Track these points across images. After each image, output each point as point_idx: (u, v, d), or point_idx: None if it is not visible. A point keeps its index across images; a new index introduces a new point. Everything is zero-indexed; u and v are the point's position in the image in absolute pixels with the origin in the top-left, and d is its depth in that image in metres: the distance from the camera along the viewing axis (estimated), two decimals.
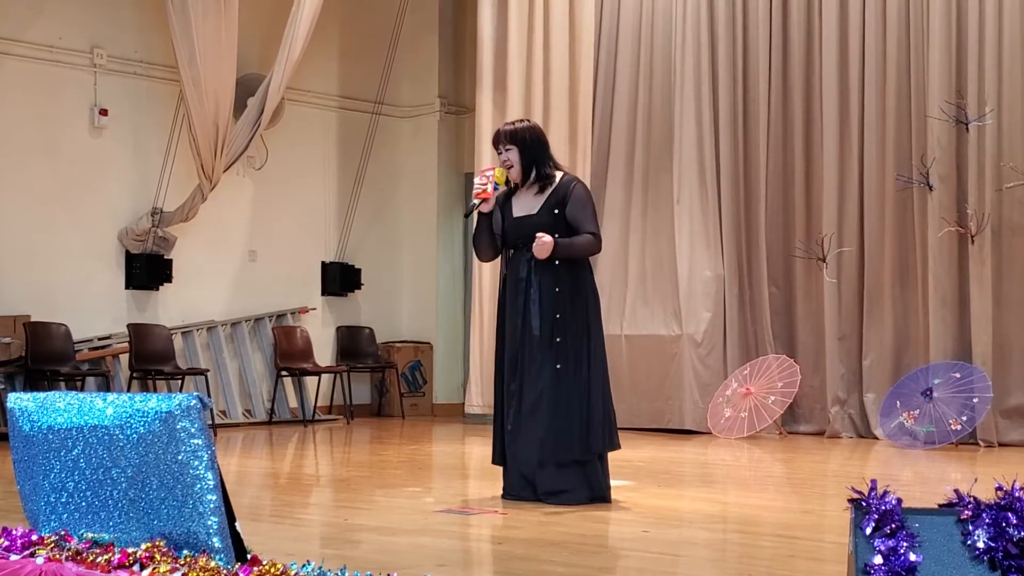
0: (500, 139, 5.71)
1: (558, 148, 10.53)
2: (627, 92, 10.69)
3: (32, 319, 9.45)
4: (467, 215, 5.99)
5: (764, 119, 10.09)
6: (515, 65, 10.37)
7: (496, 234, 5.74)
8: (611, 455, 5.79)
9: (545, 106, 10.52)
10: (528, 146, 5.66)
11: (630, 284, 10.49)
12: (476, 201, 5.63)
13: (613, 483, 5.81)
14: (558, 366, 5.56)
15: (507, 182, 5.70)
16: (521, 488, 5.66)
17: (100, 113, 10.06)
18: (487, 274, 10.33)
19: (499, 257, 5.97)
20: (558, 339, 5.55)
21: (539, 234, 5.48)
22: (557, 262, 5.54)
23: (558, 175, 5.70)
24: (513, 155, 5.65)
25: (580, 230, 5.56)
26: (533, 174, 5.65)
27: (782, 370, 9.64)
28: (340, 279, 11.72)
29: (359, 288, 11.89)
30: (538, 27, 10.47)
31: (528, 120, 5.89)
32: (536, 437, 5.57)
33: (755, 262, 10.14)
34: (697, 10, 10.35)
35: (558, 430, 5.56)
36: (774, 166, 10.09)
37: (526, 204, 5.67)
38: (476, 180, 5.69)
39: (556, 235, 5.51)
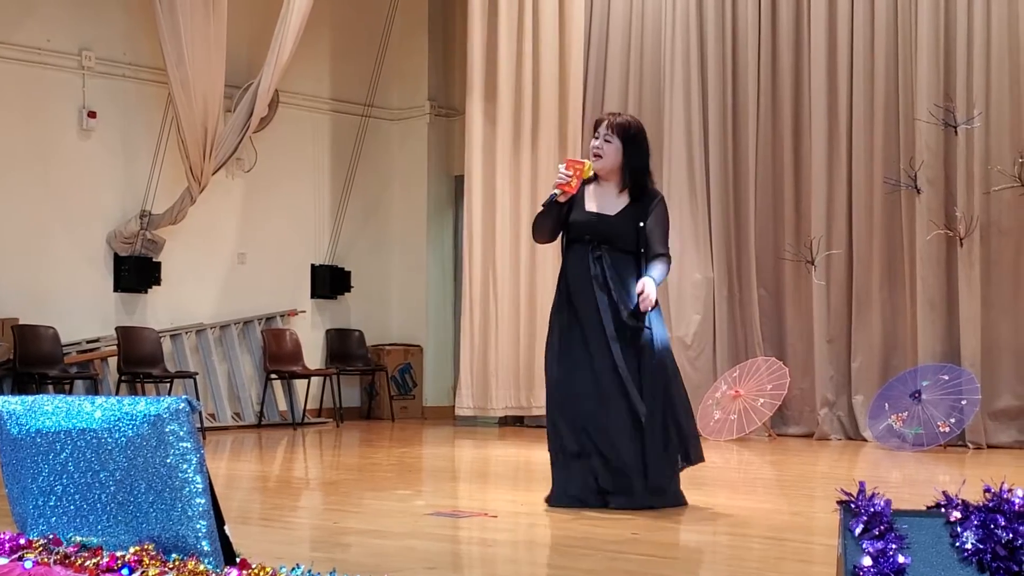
0: (604, 126, 5.39)
1: (547, 151, 10.56)
2: (616, 95, 10.70)
3: (20, 322, 9.42)
4: (545, 204, 5.49)
5: (753, 123, 10.12)
6: (505, 68, 10.37)
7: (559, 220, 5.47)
8: None
9: (534, 109, 10.52)
10: (634, 146, 5.39)
11: None
12: (556, 192, 5.34)
13: None
14: (667, 369, 5.49)
15: (593, 176, 5.43)
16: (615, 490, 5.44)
17: (88, 115, 10.04)
18: (477, 276, 10.34)
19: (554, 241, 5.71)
20: (660, 345, 5.46)
21: (641, 292, 5.25)
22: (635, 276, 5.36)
23: (652, 187, 5.48)
24: (611, 148, 5.35)
25: (651, 247, 5.35)
26: (627, 177, 5.39)
27: (771, 372, 9.66)
28: (330, 282, 11.71)
29: (349, 291, 11.88)
30: (528, 30, 10.48)
31: (636, 118, 5.61)
32: (660, 438, 5.43)
33: (744, 265, 10.15)
34: (686, 14, 10.37)
35: (681, 432, 5.50)
36: (763, 169, 10.11)
37: (605, 201, 5.41)
38: (561, 168, 5.35)
39: (646, 272, 5.34)
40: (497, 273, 10.36)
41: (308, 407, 11.16)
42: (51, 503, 3.43)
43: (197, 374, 10.27)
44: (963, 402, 8.68)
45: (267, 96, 10.24)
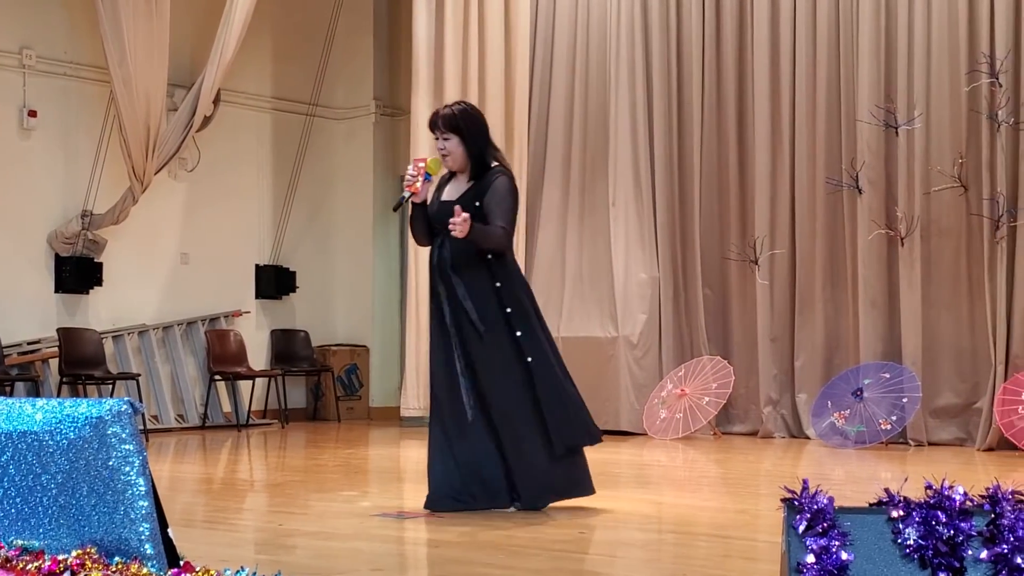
0: (437, 125, 5.33)
1: None
2: (563, 95, 10.73)
3: None
4: (395, 208, 5.58)
5: (698, 124, 10.19)
6: (451, 67, 10.36)
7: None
8: None
9: (481, 108, 10.49)
10: (469, 134, 5.31)
11: (567, 286, 10.54)
12: (405, 194, 5.31)
13: None
14: (529, 359, 5.28)
15: (450, 173, 5.39)
16: (478, 497, 5.31)
17: (29, 114, 9.91)
18: (422, 276, 10.29)
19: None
20: (519, 333, 5.27)
21: (457, 208, 5.10)
22: (488, 255, 5.23)
23: (494, 164, 5.36)
24: (452, 144, 5.30)
25: (491, 222, 5.20)
26: (473, 162, 5.30)
27: (716, 371, 9.73)
28: (275, 282, 11.63)
29: (294, 291, 11.81)
30: (473, 29, 10.48)
31: (466, 103, 5.55)
32: (526, 437, 5.26)
33: (690, 264, 10.22)
34: (631, 15, 10.42)
35: (556, 423, 5.30)
36: (708, 170, 10.19)
37: (455, 188, 5.35)
38: (408, 170, 5.31)
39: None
40: None
41: (253, 408, 11.08)
42: None
43: (140, 375, 10.16)
44: (904, 400, 8.79)
45: (210, 95, 10.15)
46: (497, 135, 10.59)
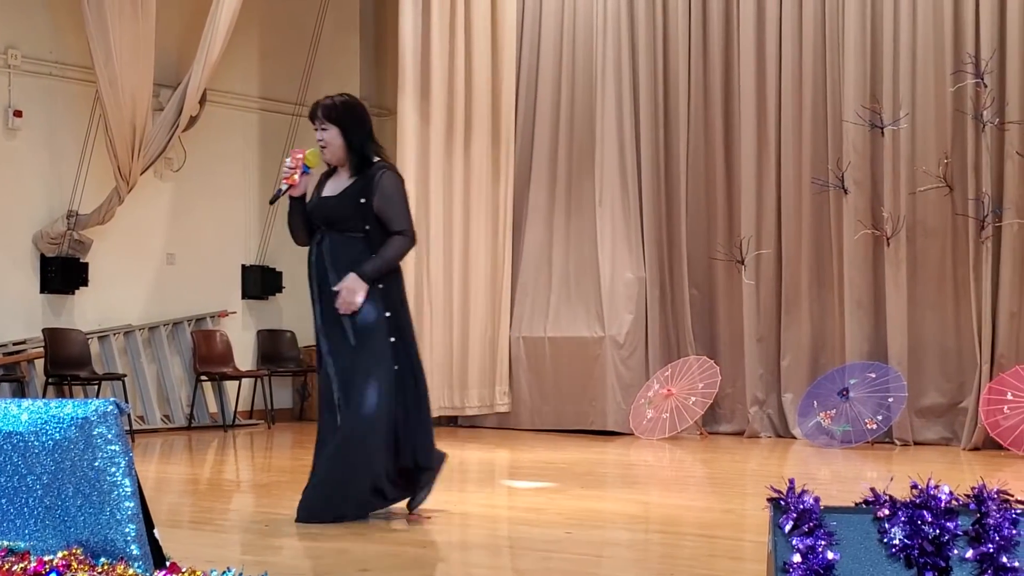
0: (316, 115, 5.12)
1: (480, 151, 10.56)
2: (549, 95, 10.74)
3: None
4: (271, 202, 5.41)
5: (684, 124, 10.20)
6: (437, 67, 10.35)
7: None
8: (528, 456, 5.79)
9: (467, 109, 10.52)
10: (349, 126, 5.09)
11: (553, 286, 10.54)
12: (282, 187, 5.11)
13: (536, 484, 5.82)
14: (396, 367, 5.08)
15: (331, 166, 5.19)
16: (364, 503, 5.13)
17: (14, 114, 9.86)
18: (409, 276, 10.28)
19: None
20: (392, 339, 5.10)
21: (343, 285, 4.94)
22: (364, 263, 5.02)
23: (376, 160, 5.15)
24: (331, 135, 5.09)
25: (389, 227, 5.05)
26: (354, 157, 5.09)
27: (702, 371, 9.74)
28: (261, 282, 11.59)
29: (280, 291, 11.77)
30: (460, 29, 10.47)
31: (349, 95, 5.34)
32: (378, 447, 5.06)
33: (676, 264, 10.23)
34: (618, 16, 10.43)
35: (412, 436, 5.11)
36: (694, 170, 10.20)
37: (335, 184, 5.15)
38: (286, 162, 5.13)
39: (363, 265, 5.04)
40: (430, 273, 10.34)
41: (239, 409, 11.05)
42: None
43: (126, 376, 10.12)
44: (890, 399, 8.82)
45: (196, 94, 10.11)
46: (483, 135, 10.64)
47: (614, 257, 10.29)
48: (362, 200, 5.02)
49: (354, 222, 5.05)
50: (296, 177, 5.03)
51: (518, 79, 10.75)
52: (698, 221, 10.17)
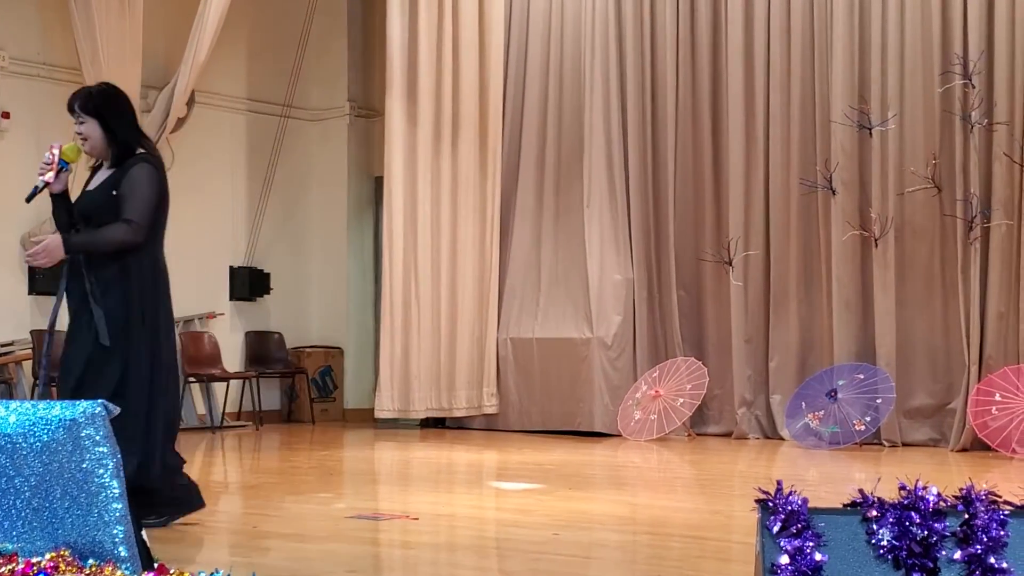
0: (74, 108, 4.82)
1: (468, 152, 10.56)
2: (537, 96, 10.74)
3: None
4: (28, 199, 4.91)
5: (672, 125, 10.21)
6: (424, 69, 10.35)
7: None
8: (516, 458, 5.77)
9: (455, 110, 10.52)
10: (108, 116, 4.80)
11: (541, 287, 10.55)
12: (39, 183, 4.78)
13: (524, 485, 5.81)
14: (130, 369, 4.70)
15: (98, 161, 4.91)
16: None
17: (2, 116, 9.83)
18: (397, 277, 10.30)
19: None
20: (146, 338, 4.73)
21: (45, 243, 4.64)
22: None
23: (139, 151, 4.84)
24: (89, 127, 4.80)
25: (121, 214, 4.70)
26: (115, 149, 4.80)
27: (690, 372, 9.75)
28: (249, 284, 11.58)
29: (268, 293, 11.75)
30: (447, 30, 10.47)
31: (108, 84, 5.04)
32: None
33: (664, 266, 10.24)
34: (605, 16, 10.44)
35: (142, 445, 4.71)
36: (682, 171, 10.21)
37: (97, 178, 4.89)
38: (44, 156, 4.80)
39: (78, 229, 4.72)
40: (418, 274, 10.34)
41: (227, 410, 11.03)
42: None
43: None
44: (878, 400, 8.84)
45: (184, 96, 10.10)
46: (471, 137, 10.64)
47: (602, 258, 10.29)
48: (114, 192, 4.75)
49: (108, 215, 4.73)
50: (49, 177, 4.73)
51: (505, 80, 10.75)
52: (686, 222, 10.18)
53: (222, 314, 11.36)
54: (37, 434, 3.24)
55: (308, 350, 11.84)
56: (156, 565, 3.18)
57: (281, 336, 11.79)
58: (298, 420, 11.72)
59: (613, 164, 10.39)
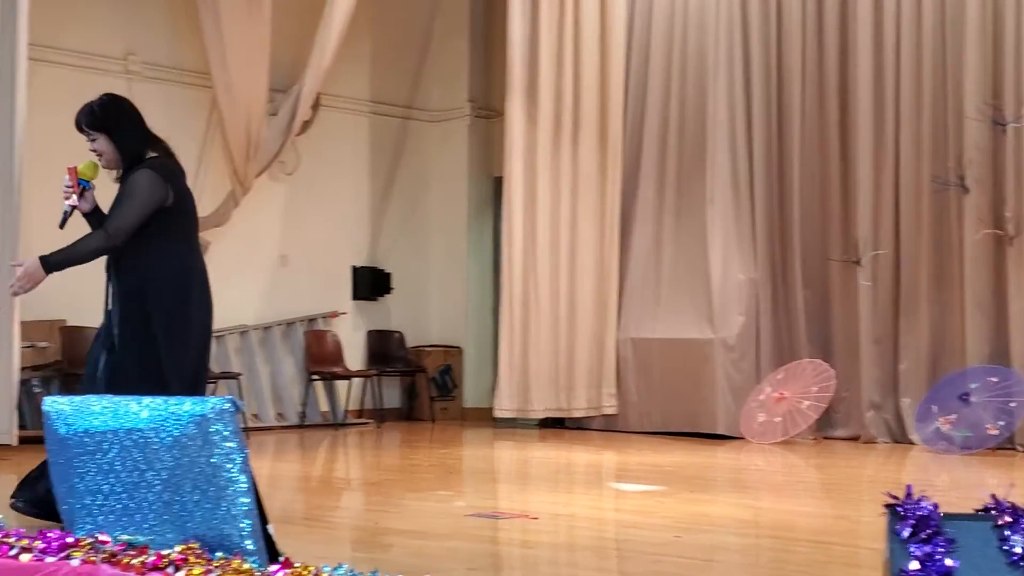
0: (81, 127, 4.76)
1: (588, 151, 10.53)
2: (659, 93, 10.65)
3: (68, 323, 9.50)
4: (60, 225, 4.81)
5: (798, 120, 10.04)
6: (545, 68, 10.36)
7: None
8: (636, 459, 5.73)
9: (575, 108, 10.50)
10: (113, 127, 4.71)
11: (662, 287, 10.46)
12: (66, 208, 4.74)
13: (644, 487, 5.76)
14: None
15: (119, 173, 4.79)
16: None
17: None
18: (517, 277, 10.32)
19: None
20: (108, 372, 4.58)
21: (23, 268, 4.51)
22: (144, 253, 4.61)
23: (150, 156, 4.76)
24: (100, 143, 4.71)
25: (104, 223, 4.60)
26: (127, 159, 4.69)
27: (817, 374, 9.57)
28: (370, 283, 11.74)
29: (389, 292, 11.90)
30: (568, 29, 10.46)
31: (110, 95, 4.91)
32: None
33: (789, 265, 10.08)
34: (730, 10, 10.31)
35: None
36: (808, 168, 10.03)
37: (118, 189, 4.75)
38: (65, 179, 4.74)
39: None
40: (537, 274, 10.35)
41: (349, 408, 11.19)
42: (98, 502, 3.46)
43: (241, 375, 10.32)
44: (1012, 404, 8.56)
45: (310, 99, 10.28)
46: (591, 136, 10.60)
47: (725, 257, 10.17)
48: (115, 199, 4.66)
49: None
50: (74, 199, 4.69)
51: (627, 77, 10.69)
52: (812, 220, 10.00)
53: (344, 313, 11.53)
54: (168, 429, 3.32)
55: (428, 349, 11.94)
56: (281, 559, 3.24)
57: (402, 335, 11.92)
58: (418, 418, 11.83)
59: (737, 161, 10.26)
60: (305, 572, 3.04)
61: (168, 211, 4.62)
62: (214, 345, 10.36)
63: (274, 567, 3.10)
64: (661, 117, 10.64)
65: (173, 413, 3.32)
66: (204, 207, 10.36)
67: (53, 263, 4.55)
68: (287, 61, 10.64)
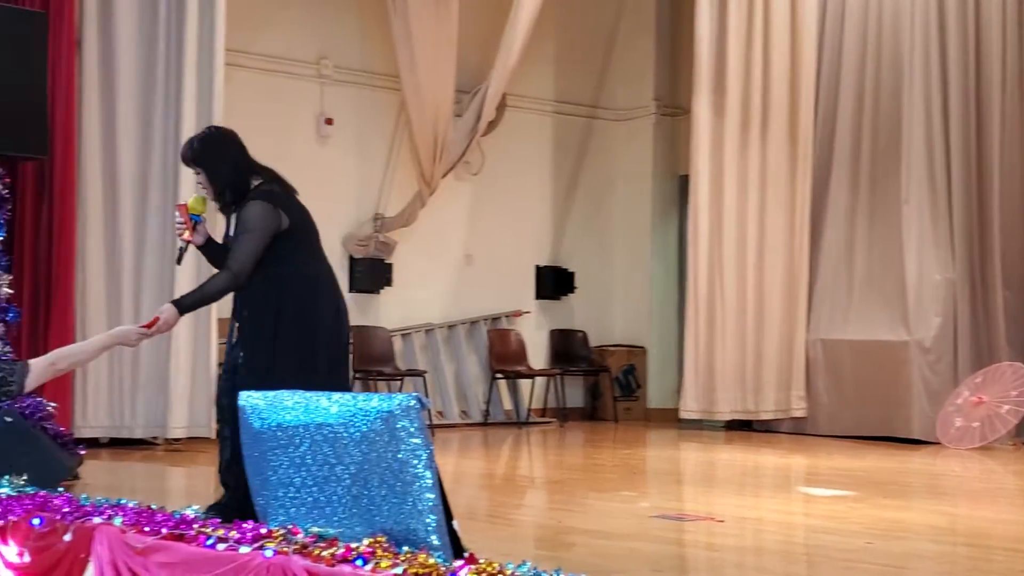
0: (188, 163, 4.85)
1: (777, 147, 10.31)
2: (852, 89, 10.35)
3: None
4: (178, 262, 5.05)
5: (998, 116, 9.64)
6: (733, 65, 10.20)
7: None
8: (826, 463, 5.58)
9: (764, 105, 10.30)
10: (209, 163, 4.73)
11: (855, 288, 10.17)
12: (181, 244, 4.84)
13: (834, 492, 5.61)
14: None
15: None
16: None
17: (325, 122, 10.37)
18: (702, 276, 10.19)
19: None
20: (236, 378, 4.65)
21: (162, 316, 4.58)
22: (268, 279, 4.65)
23: (255, 184, 4.76)
24: (203, 177, 4.75)
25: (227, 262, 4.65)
26: (228, 192, 4.72)
27: (1017, 378, 9.17)
28: (554, 282, 11.78)
29: (572, 291, 11.91)
30: (758, 24, 10.27)
31: (211, 129, 5.03)
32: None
33: (988, 264, 9.68)
34: (926, 4, 9.95)
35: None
36: (1009, 164, 9.62)
37: (232, 221, 4.78)
38: (176, 216, 4.83)
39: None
40: (723, 273, 10.20)
41: (532, 407, 11.25)
42: (290, 495, 3.56)
43: (426, 372, 10.49)
44: None
45: (495, 100, 10.38)
46: (780, 132, 10.37)
47: (920, 257, 9.82)
48: (233, 234, 4.73)
49: None
50: (187, 235, 4.75)
51: (818, 72, 10.43)
52: (1013, 217, 9.60)
53: (528, 312, 11.59)
54: (357, 425, 3.39)
55: (611, 349, 11.91)
56: (466, 555, 3.26)
57: (585, 334, 11.92)
58: (601, 418, 11.81)
59: (934, 158, 9.89)
60: (489, 569, 3.05)
61: (286, 233, 4.70)
62: (399, 343, 10.66)
63: (459, 563, 3.12)
64: (854, 114, 10.35)
65: (361, 409, 3.38)
66: (391, 208, 10.59)
67: (186, 306, 4.69)
68: (473, 62, 10.77)
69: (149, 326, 4.61)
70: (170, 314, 4.60)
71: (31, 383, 3.86)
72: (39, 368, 3.86)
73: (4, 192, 6.43)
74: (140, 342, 4.82)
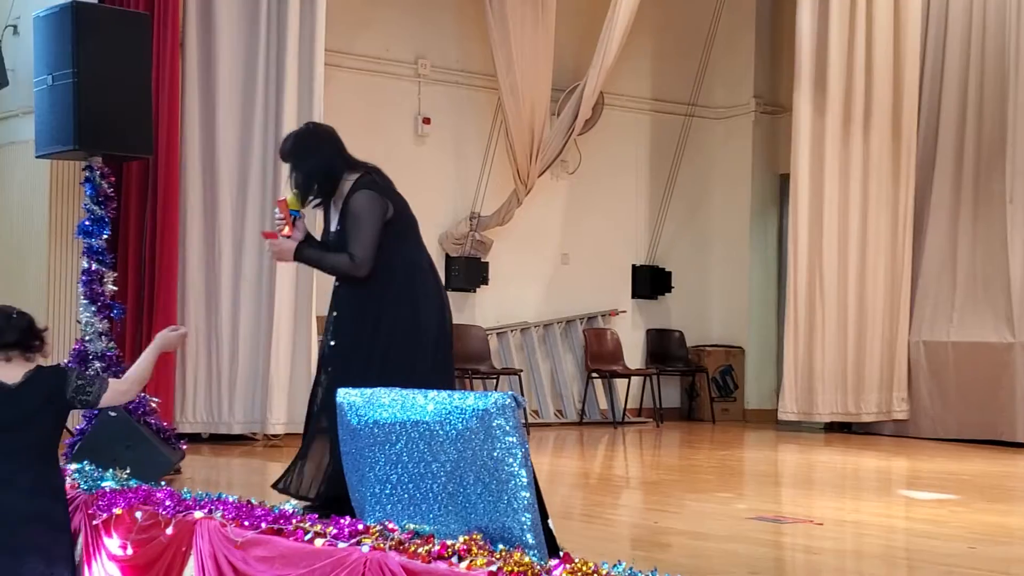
0: (281, 157, 4.92)
1: (879, 146, 10.14)
2: (956, 86, 10.14)
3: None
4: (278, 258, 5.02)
5: None
6: (835, 62, 10.04)
7: None
8: (928, 466, 5.48)
9: (866, 103, 10.13)
10: (299, 161, 4.74)
11: (958, 288, 9.97)
12: (281, 239, 4.82)
13: (937, 495, 5.50)
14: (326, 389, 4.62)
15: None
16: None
17: (423, 122, 10.45)
18: (802, 276, 10.05)
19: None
20: (329, 368, 4.71)
21: (280, 245, 4.73)
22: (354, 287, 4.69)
23: (352, 179, 4.74)
24: (293, 173, 4.81)
25: (347, 247, 4.65)
26: (316, 189, 4.72)
27: None
28: (650, 282, 11.72)
29: (669, 291, 11.84)
30: (860, 23, 10.10)
31: (308, 125, 5.10)
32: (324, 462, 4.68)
33: None
34: None
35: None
36: None
37: (333, 217, 4.82)
38: (275, 212, 4.89)
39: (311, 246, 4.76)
40: (823, 273, 10.05)
41: (628, 406, 11.21)
42: (387, 491, 3.59)
43: (522, 371, 10.51)
44: None
45: (592, 98, 10.35)
46: (883, 130, 10.19)
47: None
48: (340, 228, 4.74)
49: (341, 251, 4.71)
50: (287, 231, 4.76)
51: (922, 69, 10.24)
52: None
53: (624, 311, 11.55)
54: (452, 422, 3.41)
55: (708, 349, 11.82)
56: (561, 554, 3.26)
57: (682, 334, 11.84)
58: (698, 419, 11.72)
59: None
60: (585, 568, 3.05)
61: (390, 222, 4.73)
62: (495, 341, 10.70)
63: (554, 562, 3.12)
64: (958, 111, 10.13)
65: (457, 407, 3.40)
66: (488, 207, 10.63)
67: (304, 257, 4.76)
68: (570, 61, 10.77)
69: (273, 236, 4.78)
70: (287, 247, 4.73)
71: (105, 401, 4.02)
72: (114, 391, 4.02)
73: (110, 191, 6.59)
74: (179, 345, 4.89)
